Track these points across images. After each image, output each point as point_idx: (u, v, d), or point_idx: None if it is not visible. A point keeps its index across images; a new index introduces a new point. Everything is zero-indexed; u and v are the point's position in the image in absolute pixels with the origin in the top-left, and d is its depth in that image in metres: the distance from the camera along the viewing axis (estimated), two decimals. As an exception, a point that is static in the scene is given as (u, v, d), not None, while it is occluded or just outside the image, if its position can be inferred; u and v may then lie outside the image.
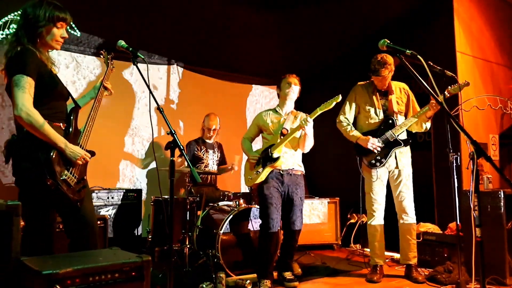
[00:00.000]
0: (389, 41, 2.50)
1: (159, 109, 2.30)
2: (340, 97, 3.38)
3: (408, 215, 3.72)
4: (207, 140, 4.92)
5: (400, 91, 3.82)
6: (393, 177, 3.77)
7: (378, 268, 3.68)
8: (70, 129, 2.32)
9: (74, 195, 2.22)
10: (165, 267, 3.64)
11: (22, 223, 1.93)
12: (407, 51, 2.43)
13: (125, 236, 3.96)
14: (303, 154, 3.77)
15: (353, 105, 3.89)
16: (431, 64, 3.24)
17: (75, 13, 2.50)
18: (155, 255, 3.99)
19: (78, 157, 2.23)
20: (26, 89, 2.10)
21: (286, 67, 6.21)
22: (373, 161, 3.72)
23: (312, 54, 5.76)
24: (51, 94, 2.28)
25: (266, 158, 3.54)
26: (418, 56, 2.43)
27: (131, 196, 4.07)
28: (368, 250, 3.93)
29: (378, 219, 3.76)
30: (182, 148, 2.16)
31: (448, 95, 3.42)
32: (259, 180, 3.49)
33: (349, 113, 3.89)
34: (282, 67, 6.20)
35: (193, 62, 5.62)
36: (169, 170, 2.18)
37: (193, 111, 5.46)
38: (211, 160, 4.86)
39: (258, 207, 3.71)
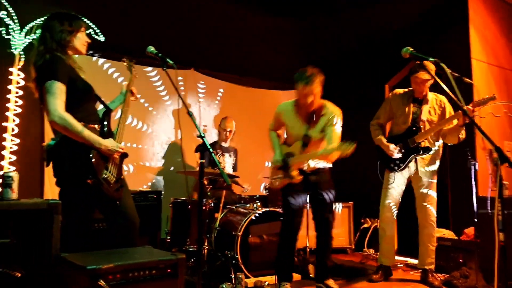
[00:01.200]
0: (412, 49, 2.56)
1: (188, 113, 2.39)
2: (354, 145, 3.03)
3: (428, 220, 3.73)
4: (223, 144, 4.99)
5: (436, 102, 3.78)
6: (415, 183, 3.81)
7: (381, 268, 3.79)
8: (105, 129, 2.42)
9: (114, 193, 2.32)
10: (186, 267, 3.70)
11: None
12: (430, 58, 2.50)
13: (145, 237, 4.03)
14: None
15: (386, 111, 3.94)
16: (451, 72, 3.30)
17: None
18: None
19: (114, 151, 2.33)
20: (57, 94, 2.19)
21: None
22: (392, 165, 3.79)
23: (327, 61, 5.82)
24: (84, 97, 2.40)
25: (285, 167, 3.36)
26: (441, 64, 2.48)
27: (151, 198, 4.14)
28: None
29: (389, 223, 3.85)
30: (211, 151, 2.23)
31: (472, 107, 3.38)
32: (280, 186, 3.43)
33: (381, 118, 3.96)
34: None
35: (211, 67, 5.70)
36: (199, 171, 2.25)
37: (209, 115, 5.53)
38: (227, 164, 4.93)
39: (279, 210, 3.77)
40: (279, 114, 3.48)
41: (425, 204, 3.74)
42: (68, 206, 2.12)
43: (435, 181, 3.79)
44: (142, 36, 4.59)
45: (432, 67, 3.59)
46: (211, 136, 5.49)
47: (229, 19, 5.06)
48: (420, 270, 3.82)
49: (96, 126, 2.38)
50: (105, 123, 2.44)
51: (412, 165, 3.77)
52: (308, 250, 4.31)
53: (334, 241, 5.05)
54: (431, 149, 3.72)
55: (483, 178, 4.13)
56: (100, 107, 2.60)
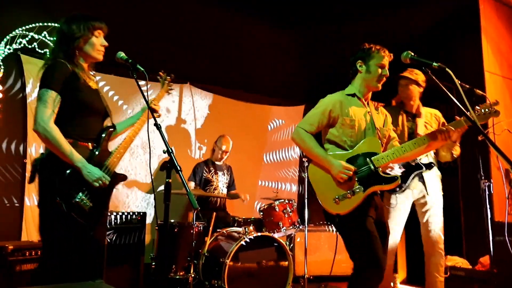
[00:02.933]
0: (413, 53, 2.28)
1: (156, 125, 2.10)
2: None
3: (436, 248, 3.33)
4: (217, 162, 4.71)
5: (430, 116, 3.49)
6: (420, 204, 3.41)
7: None
8: (97, 150, 2.20)
9: (87, 220, 2.07)
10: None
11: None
12: (434, 63, 2.19)
13: (127, 262, 3.73)
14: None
15: None
16: (459, 82, 2.99)
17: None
18: (157, 283, 3.73)
19: (94, 179, 2.08)
20: (48, 103, 2.05)
21: (303, 87, 6.07)
22: None
23: (330, 74, 5.57)
24: (83, 109, 2.20)
25: (369, 174, 2.48)
26: (447, 69, 2.18)
27: (134, 220, 3.85)
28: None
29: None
30: (179, 168, 1.93)
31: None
32: (354, 205, 2.45)
33: None
34: (298, 87, 6.05)
35: (206, 81, 5.48)
36: (165, 193, 1.95)
37: (205, 131, 5.28)
38: (220, 183, 4.64)
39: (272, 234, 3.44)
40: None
41: (433, 226, 3.35)
42: (44, 225, 2.03)
43: (441, 202, 3.40)
44: (137, 50, 4.42)
45: (421, 77, 3.36)
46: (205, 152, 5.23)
47: (227, 33, 4.86)
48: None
49: (89, 144, 2.18)
50: (101, 142, 2.23)
51: (419, 184, 3.40)
52: (306, 278, 3.95)
53: (337, 268, 4.78)
54: (434, 164, 3.36)
55: (499, 201, 3.76)
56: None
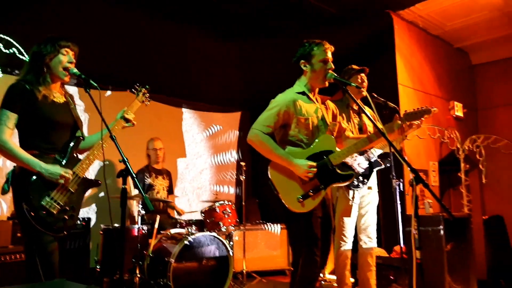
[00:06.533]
0: (336, 74, 2.66)
1: (111, 136, 2.30)
2: None
3: (372, 239, 3.58)
4: (156, 166, 4.89)
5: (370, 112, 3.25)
6: (364, 198, 3.57)
7: None
8: (64, 159, 2.34)
9: (55, 223, 2.21)
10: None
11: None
12: (352, 84, 2.62)
13: (72, 266, 3.79)
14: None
15: None
16: (375, 95, 3.46)
17: None
18: (103, 286, 3.85)
19: (57, 177, 2.21)
20: (4, 121, 2.22)
21: (239, 95, 6.39)
22: (356, 182, 3.46)
23: (266, 83, 5.95)
24: (45, 123, 2.33)
25: (326, 172, 2.59)
26: (362, 89, 2.61)
27: (79, 225, 3.93)
28: (322, 275, 3.90)
29: (349, 244, 3.52)
30: (134, 176, 2.15)
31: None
32: (317, 203, 2.56)
33: None
34: (236, 95, 6.37)
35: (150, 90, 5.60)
36: (121, 198, 2.16)
37: (144, 138, 5.38)
38: (161, 186, 4.82)
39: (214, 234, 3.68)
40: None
41: (372, 219, 3.59)
42: (22, 231, 2.22)
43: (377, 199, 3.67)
44: (84, 61, 4.46)
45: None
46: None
47: (168, 42, 5.04)
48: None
49: (56, 155, 2.32)
50: (69, 151, 2.37)
51: (373, 179, 3.58)
52: (245, 273, 4.27)
53: (273, 263, 5.16)
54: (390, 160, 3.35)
55: (411, 197, 4.33)
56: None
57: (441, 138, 5.33)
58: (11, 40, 3.94)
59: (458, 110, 5.83)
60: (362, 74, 3.55)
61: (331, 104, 2.91)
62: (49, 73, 2.37)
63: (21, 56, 4.01)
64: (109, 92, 5.23)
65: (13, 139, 2.25)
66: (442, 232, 3.57)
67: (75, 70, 2.45)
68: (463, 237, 3.85)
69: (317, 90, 2.79)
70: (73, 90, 4.78)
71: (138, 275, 3.68)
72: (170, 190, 4.99)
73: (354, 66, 3.58)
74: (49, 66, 2.35)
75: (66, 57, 2.39)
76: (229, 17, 4.79)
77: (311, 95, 2.72)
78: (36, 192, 2.18)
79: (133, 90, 2.86)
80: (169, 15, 4.64)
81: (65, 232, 2.29)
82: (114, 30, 4.52)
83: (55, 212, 2.21)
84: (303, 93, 2.71)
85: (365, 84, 3.51)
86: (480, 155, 5.34)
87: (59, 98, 2.42)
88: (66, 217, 2.27)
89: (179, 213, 4.89)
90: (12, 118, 2.24)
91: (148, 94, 2.85)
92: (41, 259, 2.17)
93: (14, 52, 3.90)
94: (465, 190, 5.28)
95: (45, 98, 2.32)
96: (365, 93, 3.26)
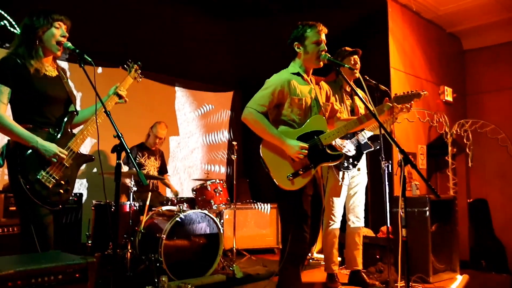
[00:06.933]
0: (329, 55, 2.69)
1: (106, 112, 2.31)
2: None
3: (360, 219, 3.69)
4: (150, 147, 4.90)
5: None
6: (354, 179, 3.66)
7: (336, 276, 3.59)
8: (59, 133, 2.34)
9: (51, 197, 2.23)
10: (106, 272, 3.58)
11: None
12: (346, 65, 2.65)
13: (64, 241, 3.83)
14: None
15: None
16: (367, 78, 3.49)
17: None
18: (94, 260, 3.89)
19: (51, 154, 2.22)
20: None
21: (231, 74, 6.38)
22: (346, 164, 3.52)
23: (258, 63, 5.94)
24: (38, 97, 2.32)
25: (317, 152, 2.65)
26: (355, 70, 2.64)
27: (71, 200, 3.96)
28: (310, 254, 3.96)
29: (337, 224, 3.60)
30: (129, 151, 2.17)
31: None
32: (306, 181, 2.64)
33: None
34: (228, 74, 6.36)
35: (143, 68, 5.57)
36: (115, 173, 2.18)
37: (135, 115, 5.38)
38: (152, 167, 4.85)
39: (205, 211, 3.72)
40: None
41: (361, 200, 3.69)
42: (17, 205, 2.23)
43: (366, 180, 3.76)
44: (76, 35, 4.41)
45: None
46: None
47: (161, 21, 4.99)
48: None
49: (50, 129, 2.32)
50: (63, 126, 2.37)
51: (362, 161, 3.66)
52: (235, 251, 4.35)
53: (262, 241, 5.26)
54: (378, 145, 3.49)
55: (399, 178, 4.42)
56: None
57: (430, 122, 5.42)
58: (2, 12, 3.87)
59: (448, 94, 5.91)
60: (355, 56, 3.59)
61: (325, 85, 2.94)
62: (41, 47, 2.34)
63: (12, 29, 3.94)
64: (100, 69, 5.19)
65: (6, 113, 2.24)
66: (427, 213, 3.68)
67: (69, 44, 2.43)
68: (448, 218, 3.97)
69: (311, 71, 2.82)
70: (63, 65, 4.73)
71: (130, 251, 3.73)
72: (161, 171, 5.01)
73: (347, 48, 3.61)
74: (42, 40, 2.33)
75: (59, 31, 2.36)
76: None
77: (305, 76, 2.76)
78: (32, 166, 2.19)
79: (125, 66, 2.84)
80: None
81: (60, 206, 2.32)
82: (106, 6, 4.47)
83: (50, 186, 2.23)
84: (297, 73, 2.75)
85: (358, 66, 3.56)
86: (468, 139, 5.44)
87: (52, 72, 2.41)
88: (61, 191, 2.29)
89: (175, 194, 4.92)
90: (5, 92, 2.22)
91: (140, 71, 2.84)
92: (37, 232, 2.20)
93: (5, 24, 3.83)
94: (451, 174, 5.39)
95: (37, 72, 2.30)
96: (358, 74, 3.29)
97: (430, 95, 5.65)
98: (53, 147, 2.24)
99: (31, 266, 1.66)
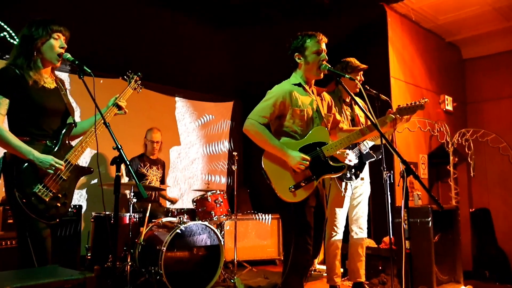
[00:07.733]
0: (330, 66, 2.67)
1: (105, 123, 2.30)
2: None
3: (363, 230, 3.65)
4: (151, 157, 4.88)
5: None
6: (356, 190, 3.64)
7: None
8: (56, 146, 2.32)
9: (48, 210, 2.20)
10: (106, 285, 3.53)
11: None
12: (346, 75, 2.63)
13: (63, 253, 3.79)
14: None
15: None
16: (368, 88, 3.50)
17: None
18: (93, 273, 3.85)
19: (47, 165, 2.19)
20: None
21: (232, 84, 6.38)
22: (348, 175, 3.52)
23: (259, 73, 5.94)
24: (36, 109, 2.29)
25: (319, 163, 2.62)
26: (356, 80, 2.63)
27: (70, 212, 3.92)
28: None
29: (340, 235, 3.57)
30: (128, 163, 2.15)
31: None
32: (308, 193, 2.59)
33: None
34: (229, 84, 6.35)
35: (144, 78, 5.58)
36: (114, 185, 2.16)
37: (136, 126, 5.37)
38: (154, 177, 4.82)
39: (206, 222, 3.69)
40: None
41: (364, 211, 3.65)
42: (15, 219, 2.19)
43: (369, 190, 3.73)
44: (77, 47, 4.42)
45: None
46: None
47: (162, 31, 5.00)
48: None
49: (47, 141, 2.29)
50: (61, 138, 2.35)
51: (366, 171, 3.63)
52: (236, 263, 4.30)
53: (263, 252, 5.21)
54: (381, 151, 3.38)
55: (401, 189, 4.38)
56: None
57: (431, 131, 5.39)
58: (2, 24, 3.87)
59: (448, 103, 5.89)
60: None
61: (327, 96, 2.92)
62: (40, 58, 2.33)
63: (11, 40, 3.94)
64: (100, 80, 5.19)
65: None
66: (430, 223, 3.64)
67: (69, 56, 2.42)
68: (451, 228, 3.93)
69: (313, 82, 2.80)
70: (64, 76, 4.73)
71: (129, 263, 3.69)
72: (162, 181, 4.99)
73: (357, 62, 3.61)
74: (40, 51, 2.31)
75: (58, 42, 2.35)
76: (222, 5, 4.76)
77: (307, 87, 2.74)
78: (28, 179, 2.16)
79: (125, 77, 2.83)
80: (163, 2, 4.60)
81: (58, 220, 2.28)
82: (106, 17, 4.47)
83: (47, 199, 2.20)
84: (299, 84, 2.72)
85: (362, 80, 3.57)
86: (469, 149, 5.42)
87: (50, 84, 2.39)
88: (58, 204, 2.26)
89: (172, 202, 4.89)
90: (3, 103, 2.20)
91: (140, 82, 2.83)
92: (34, 246, 2.16)
93: (5, 35, 3.83)
94: (453, 183, 5.36)
95: (36, 83, 2.29)
96: (358, 85, 3.27)
97: (430, 104, 5.64)
98: (49, 158, 2.21)
99: (28, 282, 1.62)
